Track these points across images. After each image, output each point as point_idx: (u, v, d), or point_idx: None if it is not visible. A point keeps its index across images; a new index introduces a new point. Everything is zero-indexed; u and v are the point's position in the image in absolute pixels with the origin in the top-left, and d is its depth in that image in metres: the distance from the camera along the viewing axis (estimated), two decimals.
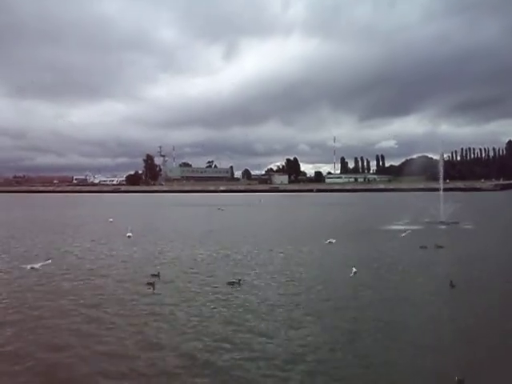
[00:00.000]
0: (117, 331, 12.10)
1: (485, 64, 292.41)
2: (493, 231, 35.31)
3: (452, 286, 16.20)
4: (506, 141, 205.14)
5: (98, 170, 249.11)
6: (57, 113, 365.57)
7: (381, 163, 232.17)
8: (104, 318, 13.31)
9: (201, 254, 25.26)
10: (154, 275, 18.25)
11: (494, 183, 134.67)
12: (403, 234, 28.89)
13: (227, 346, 10.91)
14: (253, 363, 9.89)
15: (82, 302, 15.07)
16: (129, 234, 33.19)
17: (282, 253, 25.07)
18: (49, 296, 15.87)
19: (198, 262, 22.74)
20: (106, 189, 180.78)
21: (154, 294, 15.93)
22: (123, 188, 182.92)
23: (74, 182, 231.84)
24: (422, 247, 26.20)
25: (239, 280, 17.03)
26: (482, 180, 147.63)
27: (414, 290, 16.70)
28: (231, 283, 16.79)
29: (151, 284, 16.78)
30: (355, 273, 18.03)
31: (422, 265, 21.46)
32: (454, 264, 21.69)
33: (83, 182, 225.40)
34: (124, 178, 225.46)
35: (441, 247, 26.09)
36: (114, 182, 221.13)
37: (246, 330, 11.98)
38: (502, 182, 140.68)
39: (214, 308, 14.07)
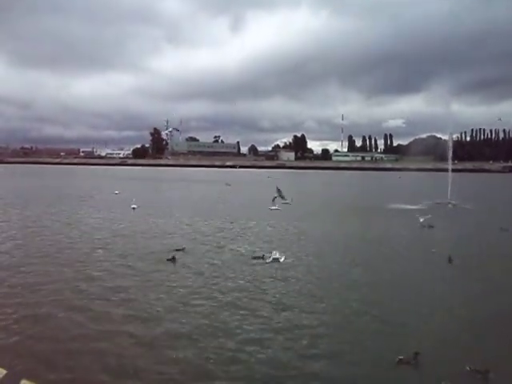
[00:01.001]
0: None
1: (498, 43, 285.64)
2: (497, 212, 35.32)
3: (450, 261, 17.23)
4: None
5: (105, 142, 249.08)
6: (62, 84, 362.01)
7: (389, 142, 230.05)
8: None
9: (220, 227, 25.88)
10: (178, 249, 18.59)
11: (502, 165, 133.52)
12: (420, 219, 27.92)
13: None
14: (278, 335, 10.41)
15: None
16: (133, 206, 33.94)
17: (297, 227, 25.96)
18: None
19: (218, 236, 23.14)
20: (112, 162, 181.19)
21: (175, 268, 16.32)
22: (130, 161, 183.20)
23: (81, 154, 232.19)
24: (424, 226, 26.75)
25: (263, 255, 17.58)
26: (491, 161, 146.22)
27: (415, 264, 17.66)
28: (256, 257, 17.42)
29: (173, 259, 17.17)
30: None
31: (423, 242, 22.28)
32: (454, 242, 22.29)
33: (90, 155, 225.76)
34: (130, 151, 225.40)
35: (444, 227, 26.47)
36: (121, 155, 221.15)
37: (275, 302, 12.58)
38: (510, 163, 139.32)
39: (250, 281, 14.59)
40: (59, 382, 8.03)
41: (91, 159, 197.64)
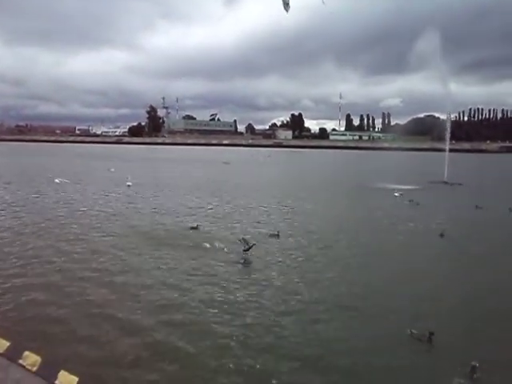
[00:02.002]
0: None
1: (498, 22, 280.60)
2: (491, 191, 35.65)
3: (442, 235, 18.22)
4: None
5: (101, 120, 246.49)
6: (56, 61, 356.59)
7: (386, 121, 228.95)
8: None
9: (230, 206, 26.16)
10: (193, 227, 18.84)
11: (499, 145, 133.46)
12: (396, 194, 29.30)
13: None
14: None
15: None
16: (128, 184, 34.44)
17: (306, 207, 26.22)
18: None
19: (228, 214, 23.51)
20: (108, 140, 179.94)
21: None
22: (126, 139, 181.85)
23: (77, 132, 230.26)
24: (417, 204, 27.36)
25: (278, 232, 17.87)
26: (488, 142, 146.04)
27: (409, 238, 18.46)
28: (272, 235, 17.69)
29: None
30: None
31: (415, 219, 22.72)
32: (445, 219, 22.73)
33: (86, 133, 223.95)
34: (127, 130, 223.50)
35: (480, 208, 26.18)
36: (117, 133, 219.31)
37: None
38: (507, 144, 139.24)
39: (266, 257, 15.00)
40: (64, 354, 8.25)
41: (87, 137, 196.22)
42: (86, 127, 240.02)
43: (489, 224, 21.92)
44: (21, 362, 6.41)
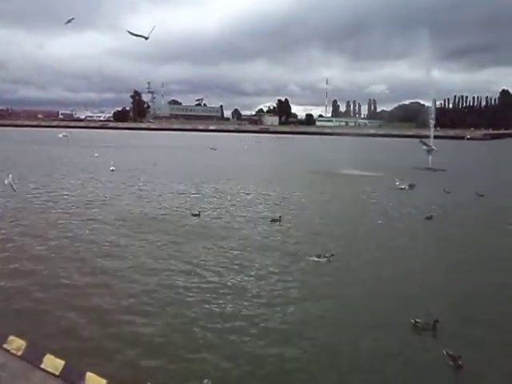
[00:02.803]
0: None
1: (482, 9, 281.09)
2: (474, 178, 36.32)
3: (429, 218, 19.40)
4: (499, 90, 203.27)
5: (84, 104, 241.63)
6: (37, 43, 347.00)
7: (372, 108, 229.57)
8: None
9: (230, 191, 26.71)
10: (194, 214, 19.29)
11: (483, 132, 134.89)
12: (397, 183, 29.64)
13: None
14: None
15: None
16: (112, 168, 34.71)
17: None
18: None
19: (230, 199, 24.05)
20: (92, 125, 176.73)
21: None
22: (111, 124, 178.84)
23: (60, 116, 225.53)
24: (404, 189, 28.60)
25: (280, 217, 18.55)
26: (472, 129, 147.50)
27: (397, 221, 19.54)
28: (273, 220, 18.46)
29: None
30: None
31: (403, 203, 23.83)
32: (431, 203, 23.71)
33: (69, 117, 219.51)
34: (111, 114, 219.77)
35: (448, 192, 27.38)
36: (102, 118, 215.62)
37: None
38: (491, 131, 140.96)
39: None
40: (49, 339, 8.24)
41: (71, 122, 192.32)
42: (69, 112, 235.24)
43: (458, 207, 23.25)
44: (5, 346, 6.38)
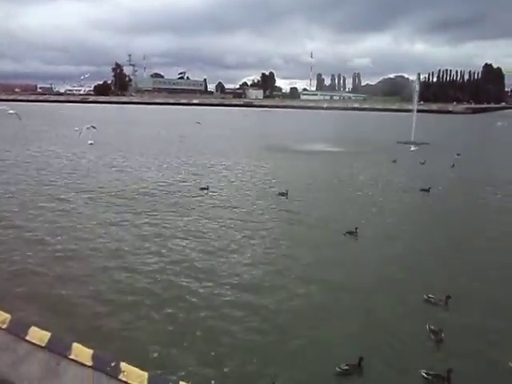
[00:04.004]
0: None
1: None
2: (451, 150, 36.91)
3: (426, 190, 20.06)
4: (481, 64, 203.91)
5: (63, 78, 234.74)
6: (9, 13, 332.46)
7: (357, 81, 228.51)
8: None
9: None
10: (202, 188, 19.70)
11: (465, 106, 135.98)
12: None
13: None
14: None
15: None
16: (90, 142, 34.59)
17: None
18: None
19: (233, 173, 24.42)
20: (72, 99, 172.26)
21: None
22: (91, 98, 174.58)
23: (39, 90, 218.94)
24: (393, 161, 29.16)
25: (287, 191, 18.77)
26: (454, 103, 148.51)
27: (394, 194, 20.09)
28: (281, 194, 18.78)
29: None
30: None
31: (393, 177, 24.30)
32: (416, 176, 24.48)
33: (48, 91, 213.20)
34: (92, 88, 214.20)
35: (423, 163, 28.48)
36: (82, 92, 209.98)
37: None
38: (472, 105, 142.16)
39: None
40: (35, 312, 8.25)
41: (50, 96, 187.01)
42: (47, 85, 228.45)
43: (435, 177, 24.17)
44: None
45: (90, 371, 4.01)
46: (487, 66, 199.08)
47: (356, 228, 13.56)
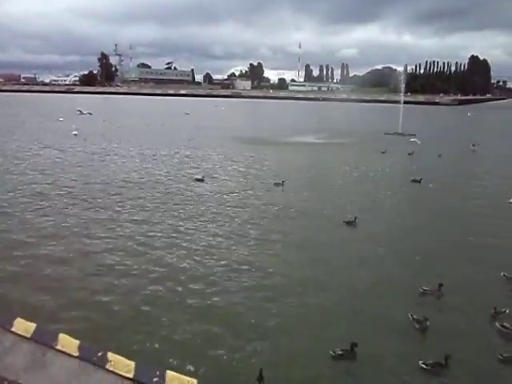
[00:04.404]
0: None
1: None
2: (444, 142, 37.39)
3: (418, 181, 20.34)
4: (468, 55, 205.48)
5: (47, 68, 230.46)
6: None
7: (345, 72, 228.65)
8: None
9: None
10: (198, 179, 19.74)
11: (452, 98, 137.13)
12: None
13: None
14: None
15: None
16: (74, 133, 34.36)
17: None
18: None
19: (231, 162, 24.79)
20: (57, 89, 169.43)
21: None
22: (77, 88, 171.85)
23: (22, 80, 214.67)
24: (383, 152, 29.60)
25: (283, 181, 19.13)
26: (441, 94, 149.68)
27: (387, 185, 20.31)
28: (276, 184, 19.11)
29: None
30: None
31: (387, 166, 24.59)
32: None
33: (32, 81, 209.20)
34: (77, 78, 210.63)
35: (411, 154, 29.18)
36: (67, 82, 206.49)
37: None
38: (459, 97, 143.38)
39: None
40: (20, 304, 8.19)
41: (34, 86, 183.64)
42: (31, 75, 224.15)
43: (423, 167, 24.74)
44: None
45: (77, 361, 3.99)
46: (473, 58, 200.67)
47: (355, 218, 13.83)
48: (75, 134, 34.04)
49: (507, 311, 8.43)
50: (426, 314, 8.18)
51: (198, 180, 19.70)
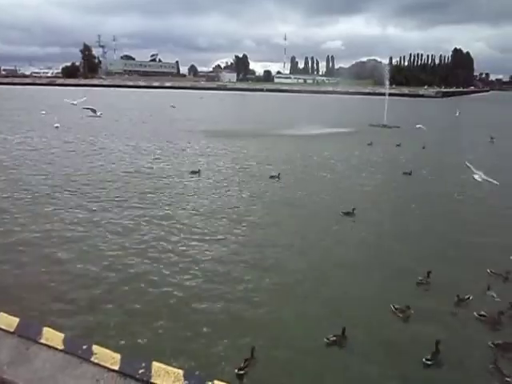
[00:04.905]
0: None
1: None
2: (421, 133, 37.94)
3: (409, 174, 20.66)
4: (451, 48, 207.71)
5: (28, 60, 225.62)
6: None
7: (330, 65, 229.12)
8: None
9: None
10: (194, 171, 19.79)
11: (435, 90, 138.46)
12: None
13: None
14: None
15: None
16: (56, 125, 33.78)
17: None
18: None
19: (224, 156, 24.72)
20: (39, 81, 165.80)
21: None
22: (59, 81, 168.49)
23: (2, 73, 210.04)
24: (369, 144, 29.88)
25: (278, 174, 19.31)
26: (425, 87, 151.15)
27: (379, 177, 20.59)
28: (272, 177, 19.24)
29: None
30: None
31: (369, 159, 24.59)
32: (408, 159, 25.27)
33: (13, 73, 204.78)
34: (60, 70, 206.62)
35: (399, 145, 29.77)
36: (49, 75, 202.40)
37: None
38: (442, 89, 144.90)
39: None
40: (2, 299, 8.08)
41: (15, 78, 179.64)
42: (12, 67, 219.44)
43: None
44: None
45: (62, 355, 3.98)
46: (457, 51, 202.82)
47: (353, 209, 14.06)
48: (57, 127, 33.52)
49: (471, 297, 8.73)
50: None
51: (193, 173, 19.70)
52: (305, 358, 6.94)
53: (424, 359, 6.88)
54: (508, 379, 6.48)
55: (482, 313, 8.19)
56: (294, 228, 13.13)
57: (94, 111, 41.74)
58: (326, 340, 7.29)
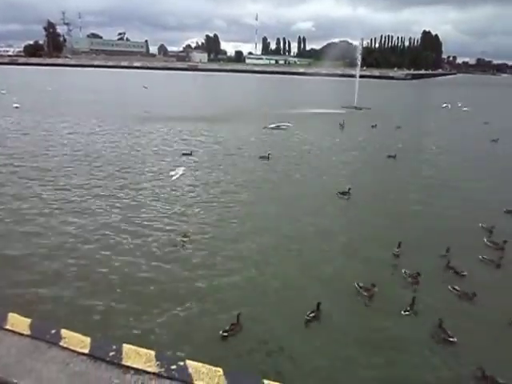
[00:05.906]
0: None
1: None
2: (392, 114, 38.57)
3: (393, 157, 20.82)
4: (420, 30, 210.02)
5: None
6: None
7: (302, 46, 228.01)
8: None
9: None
10: (185, 153, 19.77)
11: (405, 72, 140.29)
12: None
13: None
14: None
15: None
16: (16, 105, 32.89)
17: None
18: None
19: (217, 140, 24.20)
20: (0, 60, 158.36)
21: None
22: (21, 60, 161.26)
23: None
24: (341, 124, 30.50)
25: (269, 154, 19.60)
26: (395, 69, 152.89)
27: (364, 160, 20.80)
28: (262, 157, 19.57)
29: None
30: None
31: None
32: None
33: None
34: (22, 49, 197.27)
35: (374, 126, 30.38)
36: (10, 53, 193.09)
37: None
38: (412, 71, 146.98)
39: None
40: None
41: None
42: None
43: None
44: None
45: (28, 340, 3.88)
46: (426, 33, 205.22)
47: (349, 188, 14.51)
48: (16, 107, 32.41)
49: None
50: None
51: (185, 154, 19.68)
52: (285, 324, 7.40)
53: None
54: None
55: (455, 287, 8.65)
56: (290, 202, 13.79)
57: None
58: (306, 317, 7.48)
